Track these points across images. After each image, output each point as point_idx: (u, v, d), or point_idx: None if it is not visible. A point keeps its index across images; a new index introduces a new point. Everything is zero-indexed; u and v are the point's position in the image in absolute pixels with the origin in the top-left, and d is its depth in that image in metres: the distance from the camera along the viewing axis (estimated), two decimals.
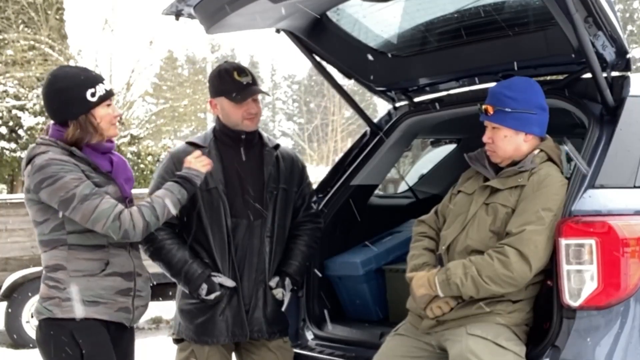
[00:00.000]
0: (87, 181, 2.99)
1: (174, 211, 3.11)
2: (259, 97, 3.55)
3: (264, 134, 3.67)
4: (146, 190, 3.80)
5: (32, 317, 8.44)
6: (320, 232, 3.76)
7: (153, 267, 3.43)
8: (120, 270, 3.10)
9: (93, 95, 3.06)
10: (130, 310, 3.14)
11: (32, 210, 3.07)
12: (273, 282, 3.52)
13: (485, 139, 3.19)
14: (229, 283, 3.43)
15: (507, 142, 3.14)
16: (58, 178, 2.94)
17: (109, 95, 3.12)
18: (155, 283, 3.54)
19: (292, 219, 3.65)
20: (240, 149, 3.54)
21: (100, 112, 3.09)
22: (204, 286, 3.39)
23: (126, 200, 3.14)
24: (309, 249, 3.67)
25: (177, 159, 3.48)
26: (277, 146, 3.66)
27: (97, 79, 3.11)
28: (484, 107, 3.15)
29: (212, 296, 3.40)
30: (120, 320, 3.11)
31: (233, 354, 3.64)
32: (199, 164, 3.24)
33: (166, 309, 9.40)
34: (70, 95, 3.04)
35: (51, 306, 3.02)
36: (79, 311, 3.00)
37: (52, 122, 3.16)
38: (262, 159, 3.57)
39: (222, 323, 3.43)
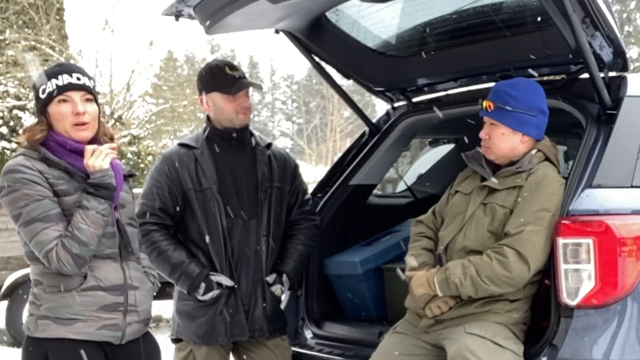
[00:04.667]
0: (42, 201, 2.70)
1: (99, 228, 2.73)
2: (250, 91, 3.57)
3: (256, 133, 3.67)
4: None
5: None
6: (316, 229, 3.76)
7: None
8: (103, 284, 2.79)
9: (43, 92, 2.81)
10: (121, 327, 2.80)
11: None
12: (270, 278, 3.52)
13: (482, 134, 3.20)
14: (228, 282, 3.43)
15: (503, 140, 3.15)
16: (13, 190, 2.71)
17: (60, 90, 2.79)
18: None
19: (286, 217, 3.65)
20: (232, 149, 3.55)
21: (52, 109, 2.81)
22: (202, 285, 3.39)
23: (111, 207, 2.81)
24: (306, 247, 3.67)
25: (169, 161, 3.50)
26: (269, 145, 3.66)
27: (51, 74, 2.82)
28: (485, 102, 3.16)
29: (208, 295, 3.40)
30: (105, 338, 2.78)
31: (231, 354, 3.64)
32: (98, 160, 2.76)
33: (166, 308, 9.40)
34: (35, 94, 2.86)
35: (29, 324, 2.79)
36: (52, 330, 2.74)
37: None
38: (255, 158, 3.57)
39: (221, 323, 3.43)
